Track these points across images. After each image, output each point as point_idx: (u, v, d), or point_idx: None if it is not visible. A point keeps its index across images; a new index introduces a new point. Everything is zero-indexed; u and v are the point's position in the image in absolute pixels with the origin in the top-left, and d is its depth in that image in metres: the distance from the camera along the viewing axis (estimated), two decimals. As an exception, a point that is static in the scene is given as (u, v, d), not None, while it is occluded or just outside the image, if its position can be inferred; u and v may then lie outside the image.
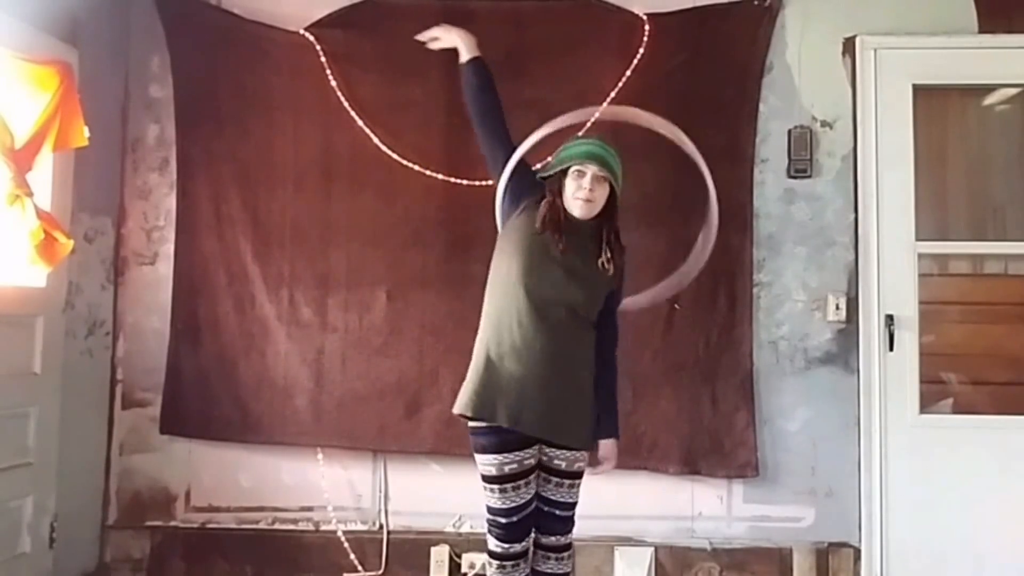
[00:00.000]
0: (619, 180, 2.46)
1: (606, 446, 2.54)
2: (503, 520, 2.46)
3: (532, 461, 2.45)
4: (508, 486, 2.43)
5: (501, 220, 2.56)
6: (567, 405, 2.43)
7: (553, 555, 2.55)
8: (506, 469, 2.41)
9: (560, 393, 2.41)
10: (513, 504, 2.44)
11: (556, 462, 2.48)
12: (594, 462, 2.56)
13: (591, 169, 2.39)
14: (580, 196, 2.39)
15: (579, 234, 2.44)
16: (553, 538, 2.55)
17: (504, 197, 2.52)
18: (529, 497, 2.47)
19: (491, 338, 2.44)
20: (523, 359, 2.38)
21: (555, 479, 2.49)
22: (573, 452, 2.48)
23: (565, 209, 2.43)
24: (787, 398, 3.39)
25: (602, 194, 2.42)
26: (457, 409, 2.47)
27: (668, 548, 3.39)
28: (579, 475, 2.52)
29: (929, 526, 3.30)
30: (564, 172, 2.43)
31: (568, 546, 2.59)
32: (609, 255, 2.44)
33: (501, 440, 2.41)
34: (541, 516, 2.52)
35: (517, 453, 2.41)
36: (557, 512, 2.52)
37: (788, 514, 3.38)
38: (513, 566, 2.51)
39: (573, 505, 2.55)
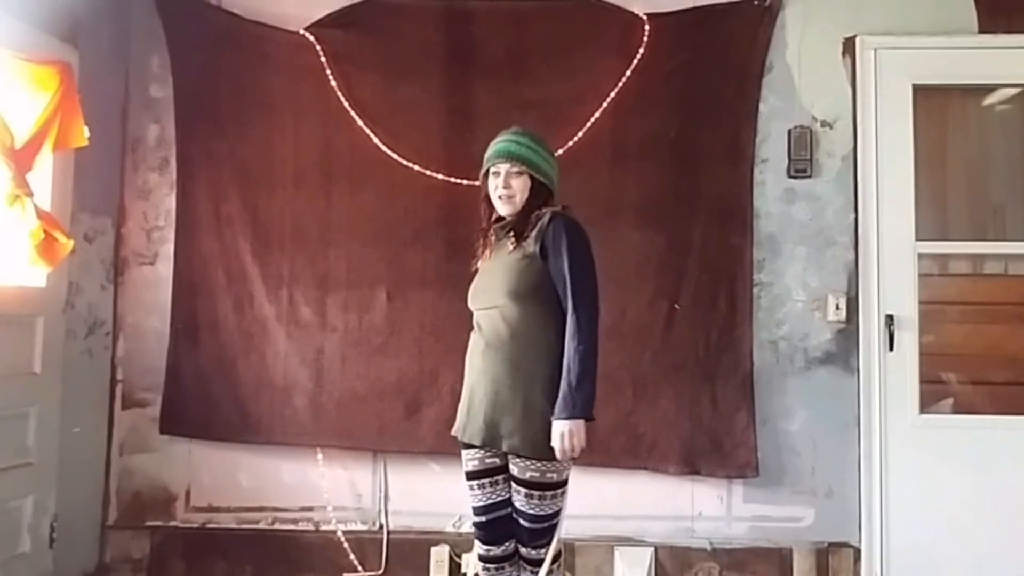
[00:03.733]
0: (539, 167, 2.45)
1: (555, 428, 2.30)
2: (475, 519, 2.52)
3: (495, 461, 2.46)
4: (474, 483, 2.49)
5: None
6: (510, 413, 2.37)
7: (528, 568, 2.50)
8: (469, 466, 2.50)
9: (500, 401, 2.38)
10: (480, 503, 2.49)
11: (511, 467, 2.44)
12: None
13: (503, 168, 2.45)
14: (498, 194, 2.46)
15: (503, 234, 2.52)
16: (524, 549, 2.48)
17: None
18: (498, 499, 2.47)
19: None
20: (471, 373, 2.48)
21: (514, 484, 2.44)
22: (523, 459, 2.37)
23: (493, 209, 2.52)
24: (787, 398, 3.39)
25: (520, 186, 2.44)
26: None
27: (668, 548, 3.38)
28: (532, 485, 2.37)
29: (929, 526, 3.30)
30: (488, 173, 2.51)
31: (541, 562, 2.43)
32: (512, 231, 2.45)
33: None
34: (513, 521, 2.48)
35: (477, 451, 2.47)
36: (519, 520, 2.45)
37: (788, 514, 3.37)
38: (497, 569, 2.50)
39: (535, 518, 2.40)
